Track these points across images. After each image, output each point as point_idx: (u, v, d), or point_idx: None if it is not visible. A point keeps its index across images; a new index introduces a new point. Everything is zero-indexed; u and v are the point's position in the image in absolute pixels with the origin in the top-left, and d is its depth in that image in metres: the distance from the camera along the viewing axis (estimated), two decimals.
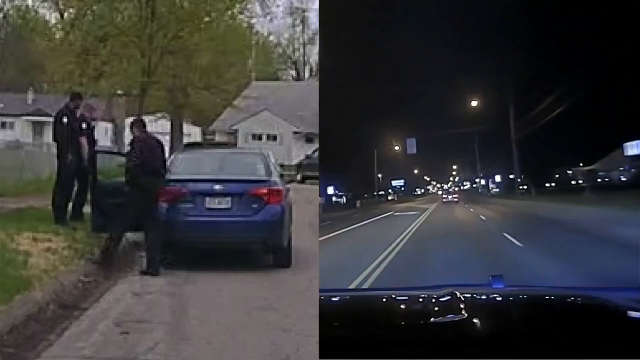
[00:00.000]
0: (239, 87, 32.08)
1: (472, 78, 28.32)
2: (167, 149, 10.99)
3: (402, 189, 61.19)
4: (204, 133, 36.26)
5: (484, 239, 15.85)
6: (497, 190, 47.58)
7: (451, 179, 71.23)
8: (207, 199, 8.83)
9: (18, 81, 37.85)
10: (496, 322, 2.66)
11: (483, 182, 52.64)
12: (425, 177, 67.79)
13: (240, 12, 25.52)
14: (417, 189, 69.37)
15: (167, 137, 23.82)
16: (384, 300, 3.53)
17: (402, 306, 3.23)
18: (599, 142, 29.64)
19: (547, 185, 43.75)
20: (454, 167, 65.60)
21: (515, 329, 2.49)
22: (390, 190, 56.08)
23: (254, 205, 8.80)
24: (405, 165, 51.34)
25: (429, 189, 71.29)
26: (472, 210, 29.51)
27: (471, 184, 66.93)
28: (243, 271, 8.67)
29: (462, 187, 72.92)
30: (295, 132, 35.27)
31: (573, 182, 41.39)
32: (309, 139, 34.46)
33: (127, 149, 9.62)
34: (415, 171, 57.58)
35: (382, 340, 2.36)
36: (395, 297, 3.55)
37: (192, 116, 33.39)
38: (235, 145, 22.49)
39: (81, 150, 10.24)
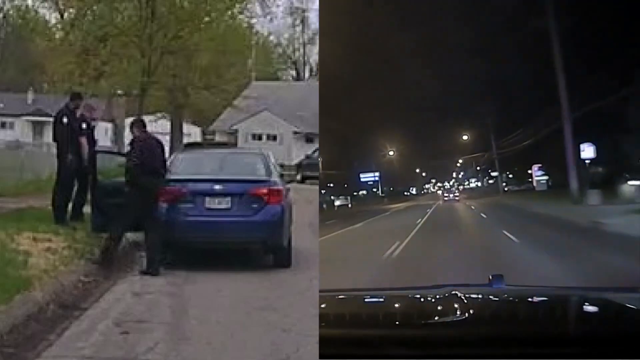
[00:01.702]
0: (239, 87, 32.08)
1: None
2: (167, 149, 10.99)
3: (375, 186, 44.46)
4: (204, 133, 36.26)
5: None
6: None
7: (454, 174, 58.81)
8: (207, 199, 8.83)
9: (18, 81, 37.85)
10: (496, 322, 2.66)
11: (539, 173, 33.09)
12: (418, 171, 53.49)
13: (240, 12, 25.54)
14: (412, 188, 56.75)
15: (167, 137, 23.83)
16: (384, 300, 3.53)
17: (402, 306, 3.23)
18: None
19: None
20: (465, 137, 47.05)
21: (515, 329, 2.49)
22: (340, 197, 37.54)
23: (254, 205, 8.80)
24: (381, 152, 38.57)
25: (428, 188, 59.83)
26: None
27: (485, 180, 51.08)
28: (243, 271, 8.67)
29: (466, 185, 57.78)
30: (295, 132, 35.26)
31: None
32: (309, 139, 34.45)
33: (127, 149, 9.62)
34: (392, 153, 42.10)
35: (382, 340, 2.36)
36: (395, 297, 3.55)
37: (192, 116, 33.39)
38: (235, 145, 22.48)
39: (81, 150, 10.24)
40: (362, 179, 40.35)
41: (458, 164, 52.91)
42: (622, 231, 12.30)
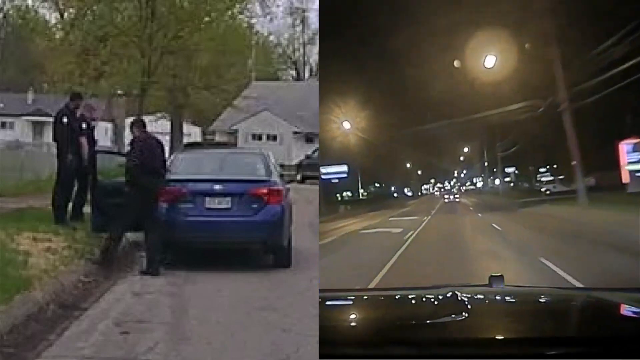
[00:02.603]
0: (239, 87, 32.13)
1: None
2: (167, 149, 10.99)
3: (350, 185, 33.29)
4: (204, 133, 36.31)
5: None
6: None
7: (456, 173, 51.76)
8: (207, 199, 8.83)
9: (18, 81, 37.87)
10: (496, 322, 2.66)
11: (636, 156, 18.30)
12: (409, 166, 42.89)
13: (240, 12, 25.60)
14: (407, 189, 48.68)
15: (167, 137, 23.85)
16: (384, 300, 3.53)
17: (402, 306, 3.23)
18: None
19: None
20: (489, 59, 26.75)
21: (515, 329, 2.49)
22: None
23: (254, 205, 8.80)
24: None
25: (428, 189, 53.72)
26: None
27: (489, 179, 41.12)
28: (243, 271, 8.67)
29: (468, 186, 50.66)
30: (295, 132, 35.29)
31: None
32: (309, 139, 34.47)
33: (127, 149, 9.62)
34: (347, 125, 24.35)
35: (382, 340, 2.36)
36: (395, 297, 3.55)
37: (192, 116, 33.44)
38: (235, 145, 22.48)
39: (81, 150, 10.24)
40: (325, 176, 25.82)
41: (461, 158, 43.07)
42: None
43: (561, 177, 27.09)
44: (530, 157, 29.61)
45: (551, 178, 29.71)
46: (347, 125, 24.72)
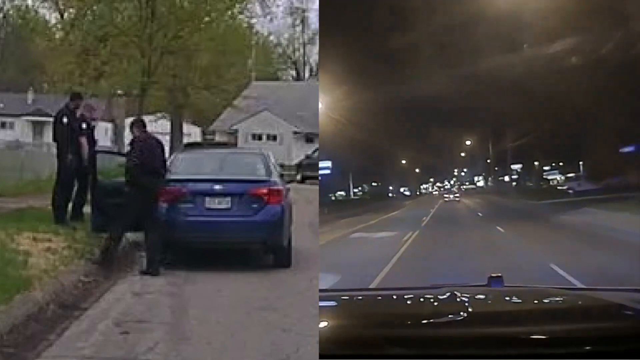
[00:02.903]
0: (239, 87, 32.18)
1: None
2: (167, 149, 10.99)
3: (338, 182, 30.56)
4: (204, 133, 36.35)
5: None
6: None
7: (456, 171, 50.70)
8: (207, 199, 8.83)
9: (18, 81, 37.92)
10: (495, 322, 2.66)
11: None
12: (404, 162, 40.82)
13: (240, 12, 25.65)
14: (403, 189, 47.05)
15: (167, 137, 23.86)
16: (384, 300, 3.53)
17: (402, 306, 3.23)
18: None
19: None
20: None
21: (514, 329, 2.49)
22: None
23: (254, 205, 8.81)
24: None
25: (427, 188, 53.21)
26: None
27: (491, 178, 38.66)
28: (243, 271, 8.67)
29: (468, 185, 49.23)
30: (295, 132, 35.32)
31: None
32: (309, 139, 34.50)
33: (127, 149, 9.63)
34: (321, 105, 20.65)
35: (382, 340, 2.36)
36: (395, 297, 3.56)
37: (192, 116, 33.48)
38: (235, 145, 22.48)
39: (81, 150, 10.24)
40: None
41: (462, 154, 41.11)
42: None
43: (570, 174, 24.07)
44: (546, 150, 24.44)
45: (558, 177, 26.86)
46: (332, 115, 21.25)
